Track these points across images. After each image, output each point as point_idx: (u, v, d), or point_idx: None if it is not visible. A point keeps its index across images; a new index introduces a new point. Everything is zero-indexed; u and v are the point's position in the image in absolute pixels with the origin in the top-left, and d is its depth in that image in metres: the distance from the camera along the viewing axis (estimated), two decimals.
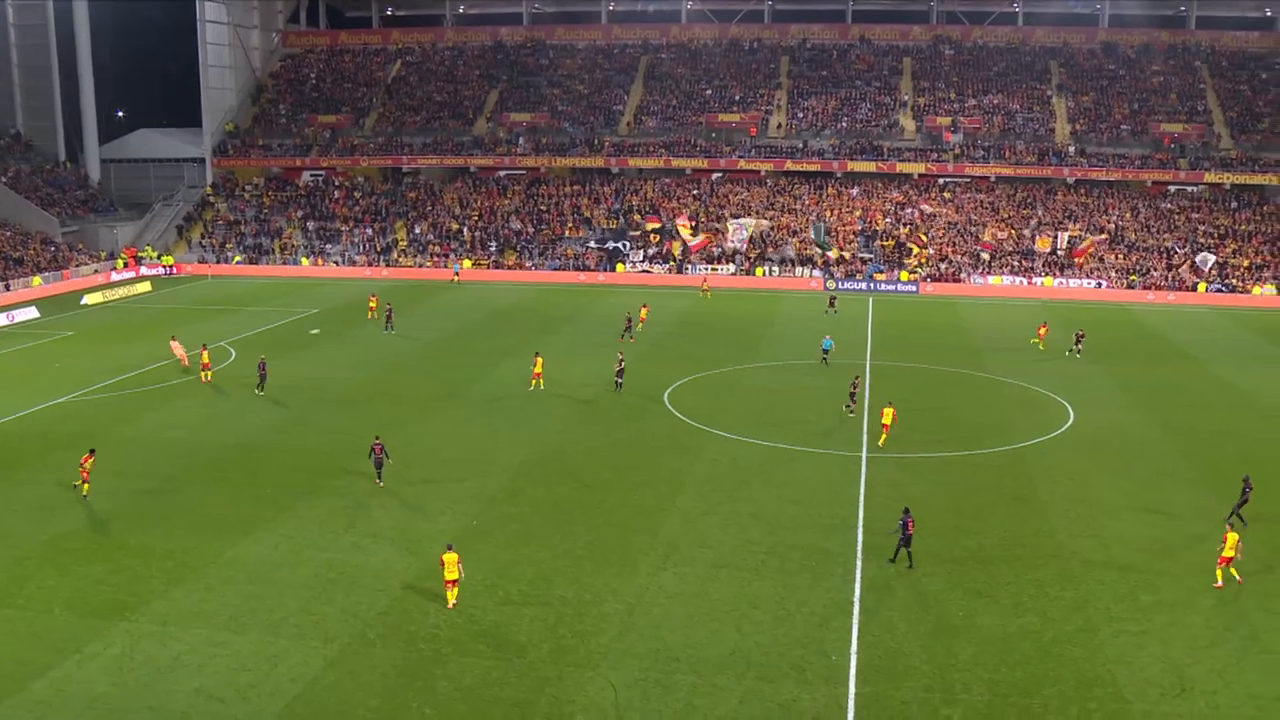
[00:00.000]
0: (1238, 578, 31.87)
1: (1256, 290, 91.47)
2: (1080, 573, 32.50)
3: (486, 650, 27.59)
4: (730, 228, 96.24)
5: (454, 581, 29.69)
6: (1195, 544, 34.99)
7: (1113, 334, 73.65)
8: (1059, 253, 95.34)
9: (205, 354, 56.32)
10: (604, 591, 30.90)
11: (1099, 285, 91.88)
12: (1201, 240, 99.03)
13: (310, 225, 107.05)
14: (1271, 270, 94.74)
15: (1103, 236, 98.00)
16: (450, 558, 29.72)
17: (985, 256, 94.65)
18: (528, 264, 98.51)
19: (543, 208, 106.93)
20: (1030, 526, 36.23)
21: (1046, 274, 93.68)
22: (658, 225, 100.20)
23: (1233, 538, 31.68)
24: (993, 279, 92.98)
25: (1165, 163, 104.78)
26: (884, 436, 45.16)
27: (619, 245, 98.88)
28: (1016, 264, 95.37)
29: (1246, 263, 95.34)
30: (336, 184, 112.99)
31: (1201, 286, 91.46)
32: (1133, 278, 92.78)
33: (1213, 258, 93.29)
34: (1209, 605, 30.45)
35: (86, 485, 37.98)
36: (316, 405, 50.90)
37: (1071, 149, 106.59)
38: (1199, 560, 33.57)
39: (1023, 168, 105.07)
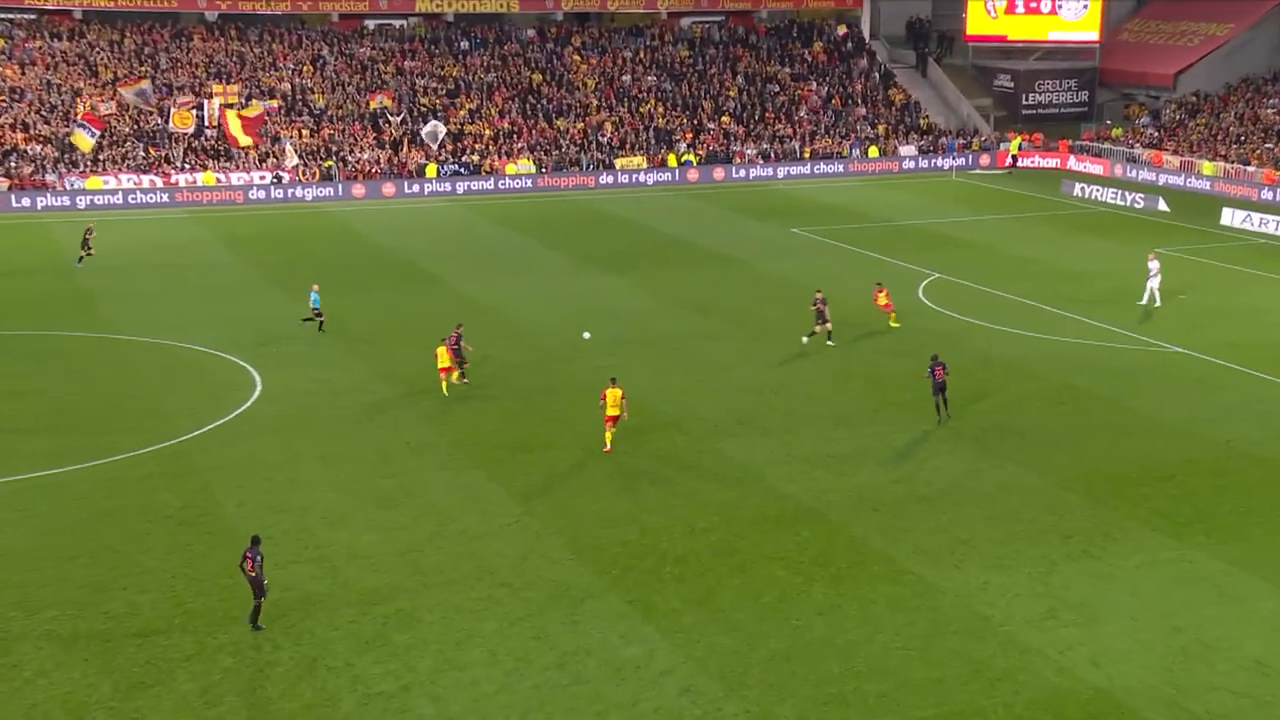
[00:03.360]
0: (607, 446, 44.03)
1: (511, 169, 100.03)
2: (301, 618, 33.16)
3: None
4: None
5: None
6: (454, 541, 37.81)
7: (309, 249, 77.68)
8: (209, 132, 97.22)
9: None
10: None
11: (278, 179, 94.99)
12: (424, 101, 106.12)
13: None
14: (526, 138, 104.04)
15: (272, 104, 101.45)
16: None
17: (88, 143, 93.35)
18: None
19: None
20: (208, 563, 36.39)
21: (198, 166, 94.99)
22: None
23: (613, 394, 43.90)
24: (103, 181, 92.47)
25: None
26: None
27: None
28: (143, 154, 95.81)
29: (489, 130, 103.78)
30: None
31: (431, 169, 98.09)
32: (328, 164, 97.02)
33: (443, 128, 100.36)
34: (491, 629, 32.54)
35: None
36: None
37: None
38: (460, 561, 36.34)
39: None
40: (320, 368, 54.52)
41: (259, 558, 32.66)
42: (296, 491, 41.66)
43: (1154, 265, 64.29)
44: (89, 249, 72.87)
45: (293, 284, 67.81)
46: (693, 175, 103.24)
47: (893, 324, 59.60)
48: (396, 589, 34.84)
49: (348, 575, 35.64)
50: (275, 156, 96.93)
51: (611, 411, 44.12)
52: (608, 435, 44.38)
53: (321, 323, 59.17)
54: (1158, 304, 63.51)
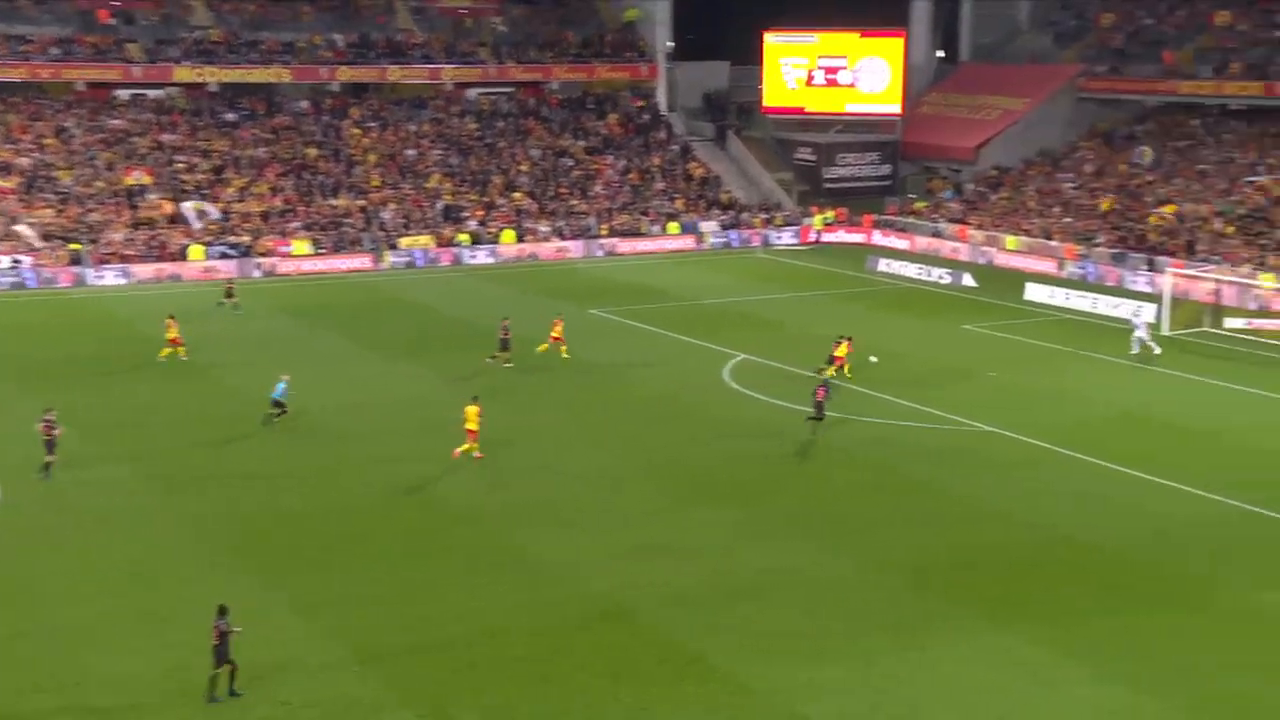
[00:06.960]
0: (476, 453, 52.00)
1: (299, 248, 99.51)
2: None
3: None
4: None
5: None
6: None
7: (58, 341, 76.11)
8: None
9: None
10: None
11: (16, 262, 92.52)
12: (187, 178, 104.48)
13: None
14: (302, 217, 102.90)
15: (6, 184, 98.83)
16: None
17: None
18: None
19: None
20: None
21: None
22: None
23: (470, 410, 52.26)
24: None
25: (106, 51, 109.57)
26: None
27: None
28: None
29: (261, 208, 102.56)
30: None
31: (196, 251, 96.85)
32: (75, 246, 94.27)
33: (211, 209, 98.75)
34: None
35: None
36: None
37: None
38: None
39: None
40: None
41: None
42: (43, 609, 39.84)
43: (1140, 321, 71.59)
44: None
45: (41, 382, 65.46)
46: (483, 255, 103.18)
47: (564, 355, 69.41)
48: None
49: (96, 700, 34.51)
50: (14, 239, 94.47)
51: (470, 426, 52.35)
52: (465, 446, 52.39)
53: (282, 413, 57.98)
54: (1156, 351, 70.31)
